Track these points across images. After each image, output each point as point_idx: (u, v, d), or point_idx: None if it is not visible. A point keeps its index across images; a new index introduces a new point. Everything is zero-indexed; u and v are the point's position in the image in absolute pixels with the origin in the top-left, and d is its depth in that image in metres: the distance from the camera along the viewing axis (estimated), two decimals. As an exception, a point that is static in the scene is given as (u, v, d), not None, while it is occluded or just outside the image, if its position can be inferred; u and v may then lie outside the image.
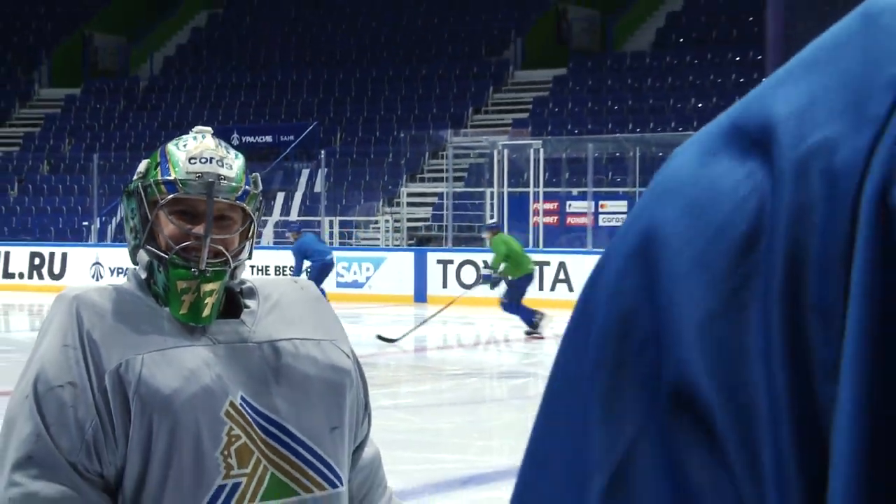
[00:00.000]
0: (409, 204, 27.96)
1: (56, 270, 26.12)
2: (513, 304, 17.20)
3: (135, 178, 2.17)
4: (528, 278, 17.41)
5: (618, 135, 26.67)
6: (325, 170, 27.65)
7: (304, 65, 34.68)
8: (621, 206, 24.05)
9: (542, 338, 16.81)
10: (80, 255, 26.21)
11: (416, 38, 34.29)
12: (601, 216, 24.03)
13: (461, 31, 33.98)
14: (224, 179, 2.11)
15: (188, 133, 2.17)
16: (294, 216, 27.66)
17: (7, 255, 26.71)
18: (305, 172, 29.24)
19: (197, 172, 2.09)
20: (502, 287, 17.35)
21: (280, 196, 28.68)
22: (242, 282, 2.20)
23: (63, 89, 35.95)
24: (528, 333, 17.01)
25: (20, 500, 1.97)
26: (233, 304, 2.17)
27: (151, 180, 2.12)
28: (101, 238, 27.93)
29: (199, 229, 2.08)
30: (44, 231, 29.32)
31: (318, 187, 27.94)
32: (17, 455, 1.97)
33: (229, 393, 2.06)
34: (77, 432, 1.98)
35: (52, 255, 26.33)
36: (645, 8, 33.27)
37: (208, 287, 2.10)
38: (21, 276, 26.42)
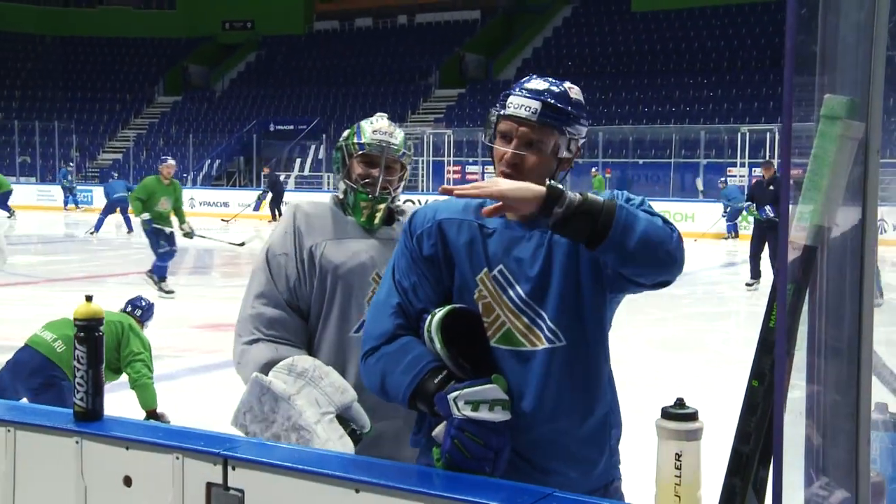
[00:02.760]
0: (374, 166, 31.89)
1: (166, 200, 29.92)
2: None
3: (339, 140, 2.67)
4: None
5: (496, 129, 30.55)
6: (324, 145, 32.14)
7: (312, 86, 38.53)
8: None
9: None
10: (180, 193, 29.91)
11: (378, 70, 38.11)
12: (485, 175, 26.39)
13: (405, 66, 37.77)
14: (391, 145, 2.60)
15: (366, 118, 2.71)
16: (306, 172, 32.11)
17: (137, 189, 30.97)
18: (312, 147, 33.19)
19: (376, 139, 2.59)
20: None
21: (297, 161, 33.32)
22: (397, 204, 2.70)
23: (172, 97, 41.31)
24: None
25: (256, 316, 2.52)
26: (390, 216, 2.68)
27: (350, 141, 2.60)
28: (193, 183, 32.24)
29: (376, 172, 2.57)
30: (160, 177, 33.21)
31: (320, 156, 32.51)
32: (255, 291, 2.55)
33: (376, 266, 2.55)
34: (287, 281, 2.52)
35: (165, 190, 29.97)
36: (512, 52, 37.66)
37: (378, 206, 2.59)
38: (146, 202, 29.94)
